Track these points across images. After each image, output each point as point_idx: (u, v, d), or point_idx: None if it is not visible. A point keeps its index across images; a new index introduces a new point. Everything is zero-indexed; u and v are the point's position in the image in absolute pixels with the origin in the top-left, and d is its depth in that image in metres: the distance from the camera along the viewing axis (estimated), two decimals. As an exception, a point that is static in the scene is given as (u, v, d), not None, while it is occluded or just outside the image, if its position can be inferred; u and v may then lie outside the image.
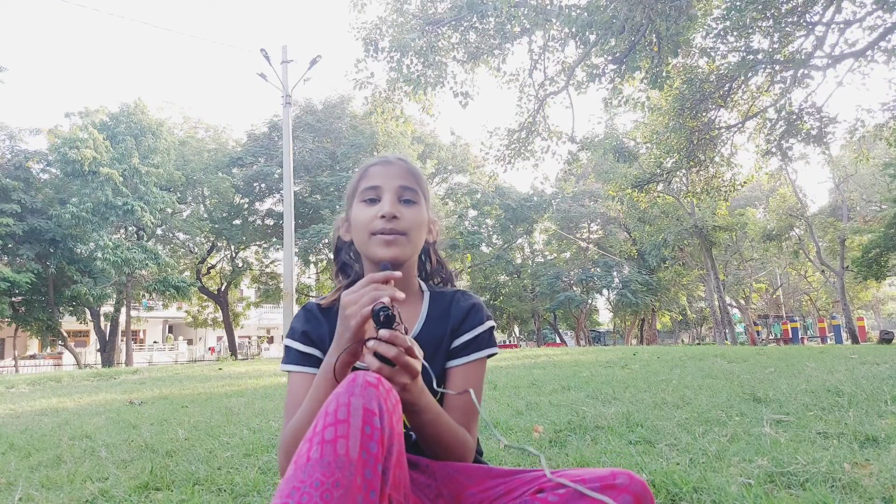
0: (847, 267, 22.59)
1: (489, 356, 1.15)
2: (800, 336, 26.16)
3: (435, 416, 1.00)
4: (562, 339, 38.96)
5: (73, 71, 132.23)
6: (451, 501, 0.99)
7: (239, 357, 27.44)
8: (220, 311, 30.27)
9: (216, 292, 29.75)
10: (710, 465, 1.68)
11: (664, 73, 12.47)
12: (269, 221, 28.63)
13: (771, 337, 27.82)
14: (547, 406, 3.24)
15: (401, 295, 0.93)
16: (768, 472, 1.54)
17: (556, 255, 37.01)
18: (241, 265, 29.45)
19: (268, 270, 30.60)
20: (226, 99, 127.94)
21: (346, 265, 1.23)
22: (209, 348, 39.67)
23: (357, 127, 26.67)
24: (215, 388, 5.91)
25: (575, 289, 32.80)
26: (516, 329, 41.12)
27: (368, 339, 0.90)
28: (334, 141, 27.21)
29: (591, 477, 0.87)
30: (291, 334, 1.14)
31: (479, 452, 1.16)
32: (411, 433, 1.05)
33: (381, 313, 0.89)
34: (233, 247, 28.86)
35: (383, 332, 0.88)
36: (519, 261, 36.54)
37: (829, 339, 25.18)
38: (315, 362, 1.10)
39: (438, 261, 1.27)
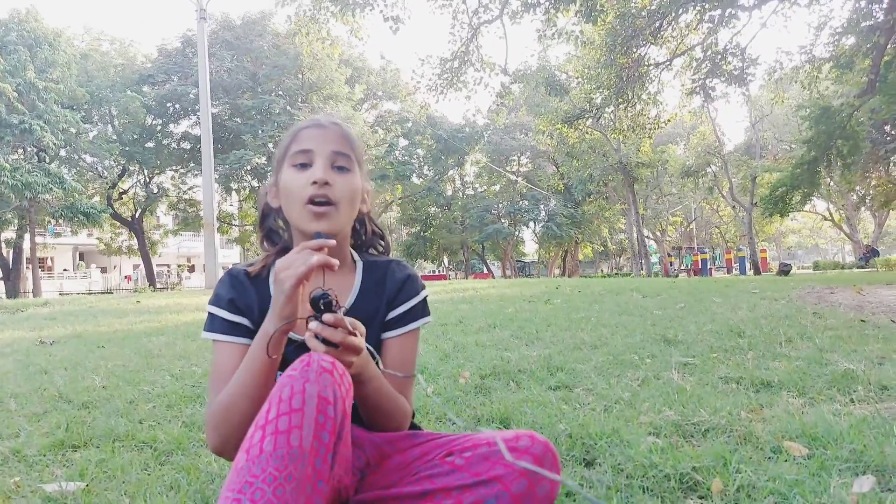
0: (756, 203, 24.06)
1: (423, 325, 1.17)
2: (708, 267, 28.00)
3: (378, 386, 1.03)
4: (489, 269, 39.94)
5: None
6: (376, 469, 1.02)
7: (158, 287, 26.47)
8: (135, 238, 28.80)
9: (130, 219, 28.15)
10: (623, 415, 1.80)
11: (598, 7, 12.39)
12: (186, 145, 27.04)
13: (682, 267, 29.62)
14: (473, 347, 3.34)
15: (335, 262, 0.92)
16: (674, 423, 1.67)
17: (486, 187, 37.31)
18: (156, 191, 27.85)
19: (186, 197, 29.12)
20: (132, 11, 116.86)
21: (273, 232, 1.19)
22: (125, 277, 37.99)
23: (280, 46, 25.16)
24: (133, 325, 5.71)
25: (503, 221, 33.40)
26: (445, 260, 41.75)
27: (311, 322, 0.90)
28: (255, 61, 25.61)
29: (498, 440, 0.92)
30: (216, 301, 1.09)
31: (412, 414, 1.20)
32: None
33: (322, 300, 0.90)
34: (146, 171, 27.15)
35: (328, 317, 0.88)
36: (450, 193, 36.62)
37: (734, 270, 27.11)
38: (244, 331, 1.07)
39: (374, 230, 1.24)
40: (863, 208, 31.59)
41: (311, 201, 1.03)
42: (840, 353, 2.59)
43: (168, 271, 38.85)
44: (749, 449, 1.44)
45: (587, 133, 23.17)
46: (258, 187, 28.39)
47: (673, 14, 12.78)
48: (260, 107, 24.58)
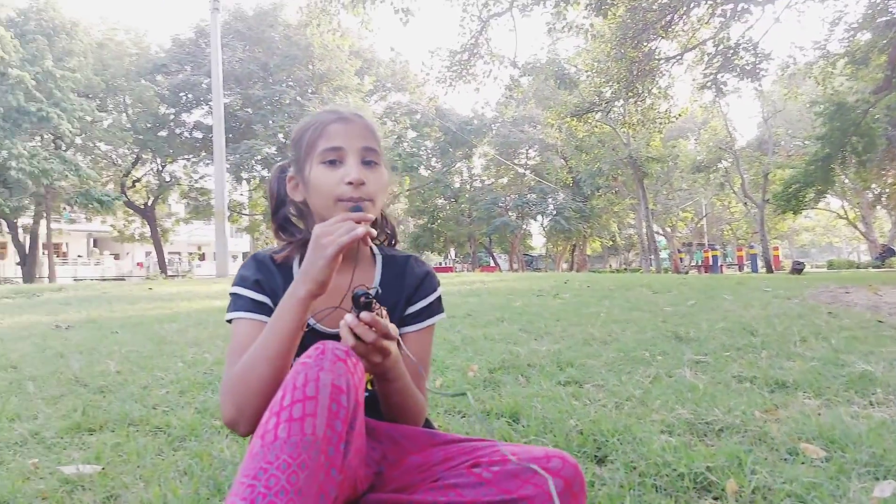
0: (768, 200, 23.84)
1: (438, 321, 1.20)
2: (719, 264, 27.78)
3: (404, 385, 1.05)
4: (496, 262, 39.88)
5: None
6: (393, 465, 1.02)
7: (169, 274, 26.68)
8: (147, 226, 29.03)
9: (143, 207, 28.38)
10: (635, 412, 1.79)
11: (609, 0, 12.26)
12: (198, 134, 27.18)
13: (693, 264, 29.43)
14: (482, 341, 3.33)
15: (373, 232, 0.95)
16: (687, 421, 1.66)
17: (493, 180, 37.21)
18: (168, 179, 28.08)
19: (197, 186, 29.33)
20: (147, 1, 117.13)
21: (288, 222, 1.18)
22: (137, 263, 38.32)
23: (291, 37, 25.20)
24: (146, 311, 5.76)
25: (511, 214, 33.31)
26: (452, 252, 41.71)
27: (348, 315, 0.92)
28: (266, 51, 25.67)
29: (527, 458, 0.89)
30: (242, 282, 1.09)
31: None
32: (367, 390, 1.07)
33: (362, 297, 0.91)
34: (159, 160, 27.39)
35: (365, 316, 0.90)
36: (457, 185, 36.53)
37: (745, 268, 26.90)
38: (267, 311, 1.06)
39: (383, 216, 1.25)
40: (878, 206, 31.20)
41: (346, 200, 1.04)
42: (856, 354, 2.55)
43: (179, 259, 39.14)
44: (764, 450, 1.43)
45: (596, 127, 22.99)
46: (268, 177, 28.57)
47: (684, 8, 12.64)
48: (271, 97, 24.63)
